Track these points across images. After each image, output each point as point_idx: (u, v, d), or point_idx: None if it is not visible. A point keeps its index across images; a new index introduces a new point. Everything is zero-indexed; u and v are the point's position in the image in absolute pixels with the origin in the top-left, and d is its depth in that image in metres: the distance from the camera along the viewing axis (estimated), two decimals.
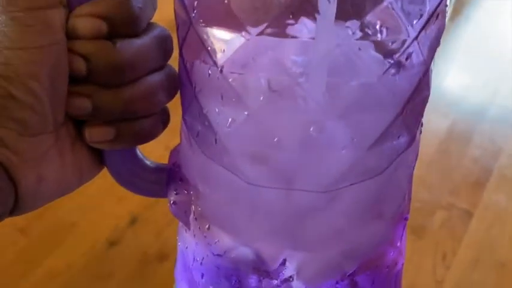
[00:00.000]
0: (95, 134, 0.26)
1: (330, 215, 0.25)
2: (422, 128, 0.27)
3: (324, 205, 0.24)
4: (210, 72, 0.23)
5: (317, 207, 0.24)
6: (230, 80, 0.22)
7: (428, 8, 0.22)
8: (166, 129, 0.29)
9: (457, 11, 1.69)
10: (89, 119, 0.26)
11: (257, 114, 0.22)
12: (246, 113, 0.23)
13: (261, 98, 0.22)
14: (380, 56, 0.22)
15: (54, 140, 0.25)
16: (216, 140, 0.24)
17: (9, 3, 0.22)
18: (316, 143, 0.22)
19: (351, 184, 0.23)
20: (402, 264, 0.30)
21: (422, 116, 0.25)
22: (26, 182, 0.25)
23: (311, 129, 0.22)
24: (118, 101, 0.25)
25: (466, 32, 1.63)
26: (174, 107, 0.29)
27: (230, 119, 0.23)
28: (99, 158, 0.29)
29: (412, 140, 0.25)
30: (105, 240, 1.13)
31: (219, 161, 0.24)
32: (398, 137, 0.24)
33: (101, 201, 1.20)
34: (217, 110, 0.23)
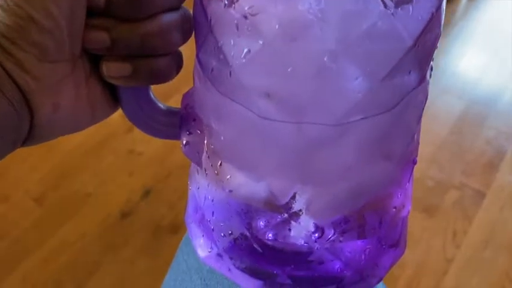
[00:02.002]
0: (112, 69, 0.27)
1: (339, 149, 0.25)
2: (432, 73, 0.27)
3: (334, 139, 0.25)
4: (226, 2, 0.23)
5: (327, 141, 0.25)
6: (246, 8, 0.22)
7: None
8: None
9: None
10: (106, 54, 0.26)
11: (272, 43, 0.23)
12: (261, 42, 0.23)
13: (276, 27, 0.22)
14: None
15: (71, 70, 0.26)
16: (230, 73, 0.24)
17: None
18: (330, 73, 0.23)
19: (362, 118, 0.24)
20: (408, 211, 0.31)
21: (432, 55, 0.26)
22: (42, 109, 0.25)
23: (325, 58, 0.22)
24: (135, 35, 0.26)
25: (483, 13, 1.62)
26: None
27: (245, 50, 0.23)
28: (113, 97, 0.29)
29: (423, 79, 0.25)
30: (119, 212, 1.15)
31: (233, 96, 0.25)
32: (410, 72, 0.24)
33: (115, 174, 1.22)
34: (232, 41, 0.24)
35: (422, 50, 0.24)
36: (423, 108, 0.27)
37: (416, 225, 1.03)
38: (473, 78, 1.39)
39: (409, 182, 0.30)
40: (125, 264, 1.05)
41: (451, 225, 1.05)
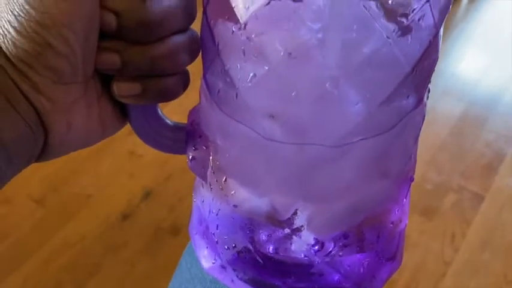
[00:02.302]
0: (123, 89, 0.28)
1: (339, 169, 0.26)
2: (429, 94, 0.28)
3: (334, 159, 0.26)
4: (233, 29, 0.24)
5: (328, 161, 0.26)
6: (253, 36, 0.23)
7: None
8: None
9: None
10: (117, 74, 0.27)
11: (277, 69, 0.24)
12: (266, 67, 0.24)
13: (281, 54, 0.23)
14: (393, 21, 0.23)
15: (83, 91, 0.27)
16: (236, 95, 0.25)
17: None
18: (331, 98, 0.24)
19: (361, 139, 0.25)
20: (405, 224, 0.32)
21: (430, 79, 0.27)
22: (57, 129, 0.27)
23: (327, 84, 0.23)
24: (145, 57, 0.27)
25: (483, 15, 1.62)
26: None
27: (251, 74, 0.24)
28: (122, 114, 0.30)
29: (420, 101, 0.27)
30: (119, 214, 1.16)
31: (238, 117, 0.26)
32: (408, 97, 0.25)
33: (116, 176, 1.23)
34: (238, 66, 0.25)
35: (419, 75, 0.25)
36: (420, 129, 0.28)
37: (414, 228, 1.04)
38: (473, 80, 1.40)
39: (406, 198, 0.31)
40: (125, 265, 1.06)
41: (449, 228, 1.05)
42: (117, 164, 1.25)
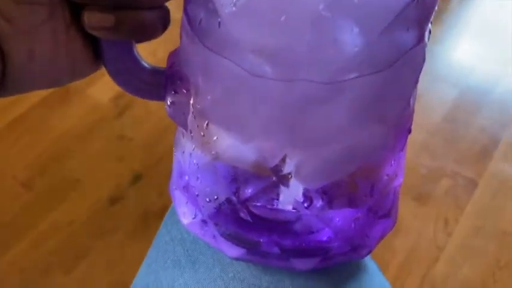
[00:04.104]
0: (94, 19, 0.25)
1: (332, 110, 0.24)
2: (427, 60, 0.26)
3: (327, 99, 0.23)
4: None
5: (320, 101, 0.24)
6: None
7: None
8: None
9: None
10: (88, 3, 0.25)
11: None
12: None
13: None
14: None
15: (48, 15, 0.24)
16: (219, 24, 0.23)
17: None
18: (326, 23, 0.21)
19: (357, 76, 0.23)
20: (401, 182, 0.30)
21: (432, 14, 0.25)
22: (17, 55, 0.24)
23: (320, 6, 0.21)
24: None
25: (479, 2, 1.61)
26: None
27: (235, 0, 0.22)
28: (95, 54, 0.28)
29: (421, 38, 0.24)
30: (108, 197, 1.14)
31: (221, 51, 0.24)
32: (408, 29, 0.23)
33: (104, 159, 1.20)
34: None
35: (422, 6, 0.23)
36: (420, 71, 0.26)
37: (408, 212, 1.03)
38: (468, 66, 1.38)
39: (402, 150, 0.28)
40: (114, 249, 1.04)
41: (442, 214, 1.05)
42: (106, 147, 1.23)
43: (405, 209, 1.04)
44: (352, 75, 0.23)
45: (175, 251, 0.34)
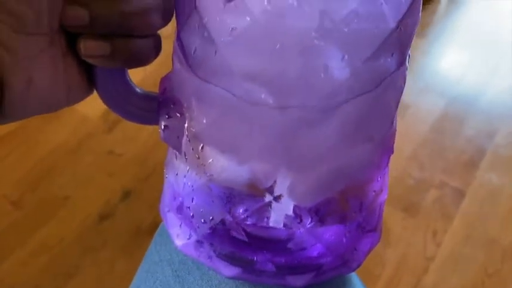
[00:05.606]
0: (90, 47, 0.26)
1: (323, 132, 0.25)
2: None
3: (318, 121, 0.25)
4: None
5: (312, 124, 0.25)
6: None
7: None
8: None
9: None
10: (85, 32, 0.26)
11: (259, 20, 0.22)
12: (248, 18, 0.22)
13: (265, 3, 0.22)
14: None
15: (48, 44, 0.25)
16: (215, 52, 0.24)
17: None
18: (317, 51, 0.23)
19: (345, 100, 0.24)
20: (385, 197, 0.31)
21: (412, 40, 0.26)
22: (15, 84, 0.25)
23: (312, 35, 0.22)
24: (114, 13, 0.25)
25: (465, 13, 1.64)
26: None
27: (231, 27, 0.23)
28: (89, 79, 0.28)
29: (402, 62, 0.26)
30: (97, 214, 1.13)
31: (216, 80, 0.24)
32: (392, 55, 0.24)
33: (93, 176, 1.20)
34: (218, 18, 0.23)
35: (404, 33, 0.24)
36: (401, 93, 0.27)
37: (396, 223, 1.04)
38: (454, 77, 1.40)
39: (387, 166, 0.30)
40: (104, 266, 1.04)
41: (431, 224, 1.05)
42: (96, 163, 1.23)
43: (394, 220, 1.05)
44: (341, 99, 0.24)
45: (164, 271, 0.34)
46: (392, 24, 0.23)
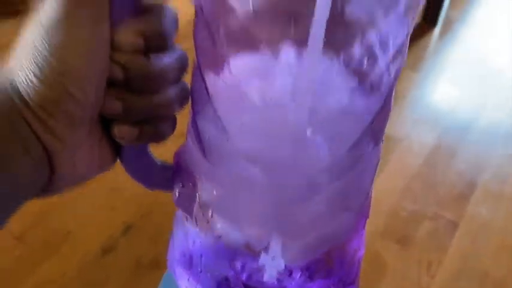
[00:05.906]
0: (123, 131, 0.30)
1: (311, 205, 0.30)
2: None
3: (306, 197, 0.30)
4: (225, 81, 0.28)
5: (301, 199, 0.30)
6: (239, 85, 0.27)
7: (398, 40, 0.26)
8: None
9: (446, 28, 1.74)
10: (118, 119, 0.30)
11: (263, 112, 0.27)
12: (252, 114, 0.28)
13: (264, 102, 0.27)
14: (356, 80, 0.26)
15: (88, 133, 0.30)
16: (227, 139, 0.29)
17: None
18: (308, 144, 0.28)
19: (330, 180, 0.29)
20: (363, 253, 0.36)
21: (385, 126, 0.30)
22: (63, 168, 0.29)
23: (308, 132, 0.27)
24: (145, 106, 0.30)
25: (455, 47, 1.68)
26: None
27: (240, 119, 0.28)
28: (115, 154, 0.33)
29: (377, 143, 0.31)
30: (99, 249, 1.15)
31: (224, 162, 0.30)
32: (368, 141, 0.30)
33: (96, 211, 1.22)
34: (229, 111, 0.28)
35: (377, 125, 0.30)
36: (375, 171, 0.32)
37: (391, 256, 1.04)
38: (445, 110, 1.43)
39: (363, 228, 0.35)
40: None
41: (425, 256, 1.06)
42: (98, 198, 1.25)
43: (388, 252, 1.05)
44: (327, 179, 0.29)
45: None
46: (368, 120, 0.28)
